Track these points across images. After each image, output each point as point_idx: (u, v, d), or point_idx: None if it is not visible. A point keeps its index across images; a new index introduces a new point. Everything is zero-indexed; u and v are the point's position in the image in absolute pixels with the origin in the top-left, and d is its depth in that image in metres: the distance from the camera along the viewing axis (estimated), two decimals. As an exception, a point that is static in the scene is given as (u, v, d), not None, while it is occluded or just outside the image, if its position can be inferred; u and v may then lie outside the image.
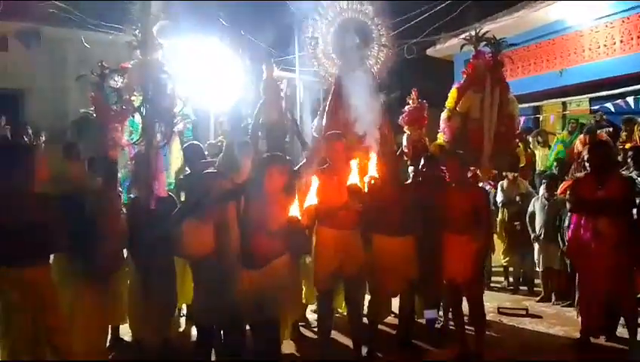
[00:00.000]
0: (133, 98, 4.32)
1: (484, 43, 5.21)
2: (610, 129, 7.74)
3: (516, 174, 6.51)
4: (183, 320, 4.86)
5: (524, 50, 10.28)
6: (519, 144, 7.14)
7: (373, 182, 4.20)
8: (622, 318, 4.51)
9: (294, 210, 3.70)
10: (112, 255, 3.92)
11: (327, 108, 5.40)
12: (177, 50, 4.99)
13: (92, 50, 5.83)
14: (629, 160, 4.93)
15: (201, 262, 3.78)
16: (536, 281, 6.30)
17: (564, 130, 8.35)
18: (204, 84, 5.36)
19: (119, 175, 4.24)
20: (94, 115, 4.37)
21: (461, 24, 10.39)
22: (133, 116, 4.48)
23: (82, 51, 5.77)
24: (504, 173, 6.43)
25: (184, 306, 4.82)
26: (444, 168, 4.83)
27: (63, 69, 10.26)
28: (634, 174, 4.90)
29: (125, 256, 4.18)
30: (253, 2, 8.77)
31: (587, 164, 4.59)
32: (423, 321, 4.95)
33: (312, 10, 5.51)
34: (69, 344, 3.42)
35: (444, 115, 5.24)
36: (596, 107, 8.97)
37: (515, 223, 6.29)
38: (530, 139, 8.68)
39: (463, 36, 5.78)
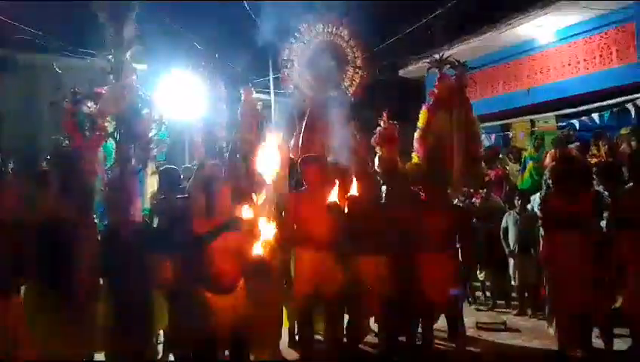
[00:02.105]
0: (106, 123, 4.30)
1: (449, 66, 5.37)
2: (578, 143, 7.97)
3: (483, 191, 6.67)
4: (160, 347, 4.76)
5: (493, 69, 10.59)
6: (483, 162, 7.30)
7: (351, 200, 4.25)
8: (596, 329, 4.61)
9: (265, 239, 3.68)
10: (87, 284, 3.83)
11: (302, 129, 5.46)
12: (151, 75, 5.00)
13: (65, 75, 5.77)
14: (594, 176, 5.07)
15: (174, 289, 3.73)
16: (513, 295, 6.39)
17: (530, 147, 8.54)
18: (178, 107, 5.35)
19: (94, 202, 4.17)
20: (67, 141, 4.31)
21: (431, 46, 10.66)
22: (107, 141, 4.45)
23: (55, 77, 5.70)
24: (472, 191, 6.57)
25: (161, 332, 4.72)
26: (419, 188, 4.92)
27: (35, 93, 10.13)
28: (600, 189, 5.05)
29: (100, 284, 4.09)
30: (228, 25, 8.87)
31: (550, 182, 4.75)
32: (404, 339, 4.95)
33: (287, 33, 5.61)
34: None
35: (417, 134, 5.35)
36: (563, 123, 9.25)
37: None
38: (501, 156, 8.88)
39: (427, 60, 5.95)
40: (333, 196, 4.30)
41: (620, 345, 4.51)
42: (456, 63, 5.28)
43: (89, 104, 4.33)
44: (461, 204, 6.46)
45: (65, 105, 4.38)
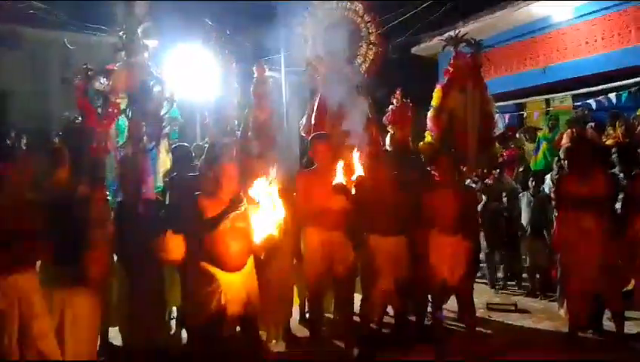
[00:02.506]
0: (119, 101, 4.28)
1: (464, 44, 5.26)
2: (593, 124, 7.86)
3: (497, 171, 6.61)
4: (173, 323, 4.83)
5: (507, 48, 10.37)
6: (498, 142, 7.23)
7: (360, 181, 4.21)
8: (608, 311, 4.60)
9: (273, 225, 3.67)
10: (100, 260, 3.87)
11: (314, 107, 5.40)
12: (162, 51, 4.96)
13: (75, 51, 5.75)
14: (613, 157, 5.01)
15: (186, 266, 3.75)
16: (524, 276, 6.39)
17: (544, 128, 8.44)
18: (190, 85, 5.32)
19: (106, 179, 4.19)
20: (79, 118, 4.31)
21: (445, 23, 10.45)
22: (119, 119, 4.44)
23: (65, 53, 5.68)
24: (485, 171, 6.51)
25: (174, 309, 4.79)
26: (432, 167, 4.88)
27: (46, 70, 10.11)
28: (616, 170, 4.98)
29: (114, 260, 4.14)
30: (240, 2, 8.75)
31: (565, 162, 4.69)
32: (413, 319, 4.98)
33: (300, 8, 5.51)
34: (55, 349, 3.39)
35: (430, 113, 5.28)
36: (579, 103, 9.09)
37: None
38: (518, 136, 8.78)
39: (442, 37, 5.83)
40: (340, 177, 4.27)
41: (631, 327, 4.50)
42: (472, 42, 5.17)
43: (101, 81, 4.32)
44: (474, 185, 6.43)
45: (77, 82, 4.37)
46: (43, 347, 3.30)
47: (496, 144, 6.94)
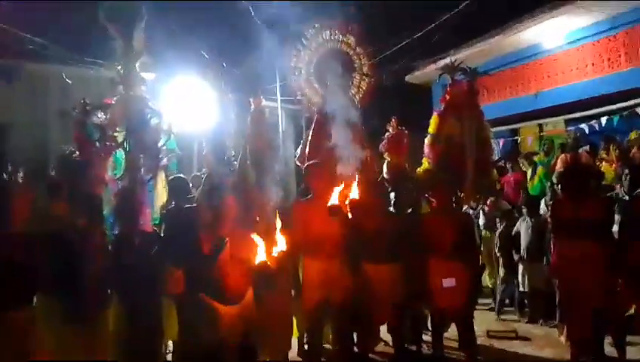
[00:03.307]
0: (116, 134, 4.32)
1: (460, 72, 5.35)
2: (588, 147, 7.93)
3: (494, 198, 6.66)
4: (169, 357, 4.76)
5: (500, 74, 10.54)
6: (494, 168, 7.30)
7: (354, 204, 4.22)
8: (609, 337, 4.56)
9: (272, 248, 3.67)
10: (97, 294, 3.84)
11: (309, 137, 5.45)
12: (159, 84, 5.02)
13: (73, 85, 5.82)
14: (623, 179, 4.93)
15: (184, 299, 3.72)
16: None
17: (540, 152, 8.51)
18: (187, 116, 5.37)
19: (103, 212, 4.19)
20: (77, 152, 4.34)
21: (438, 51, 10.65)
22: (116, 151, 4.47)
23: (63, 87, 5.74)
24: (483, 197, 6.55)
25: (170, 343, 4.72)
26: (429, 194, 4.91)
27: (44, 103, 10.19)
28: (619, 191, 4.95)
29: (109, 294, 4.10)
30: (234, 33, 8.89)
31: (559, 187, 4.71)
32: (414, 348, 4.93)
33: (294, 39, 5.61)
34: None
35: (427, 140, 5.32)
36: (571, 128, 9.19)
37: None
38: (519, 161, 8.86)
39: (439, 67, 5.92)
40: (335, 200, 4.29)
41: (634, 353, 4.45)
42: (468, 69, 5.26)
43: (99, 115, 4.36)
44: (471, 211, 6.46)
45: (74, 116, 4.41)
46: None
47: (494, 171, 7.00)
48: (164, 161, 4.61)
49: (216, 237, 3.55)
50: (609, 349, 4.57)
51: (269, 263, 3.78)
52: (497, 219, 6.57)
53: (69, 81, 5.56)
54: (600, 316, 4.30)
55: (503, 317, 6.29)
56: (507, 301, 6.54)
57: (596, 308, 4.25)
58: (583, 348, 4.46)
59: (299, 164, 5.49)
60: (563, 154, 7.44)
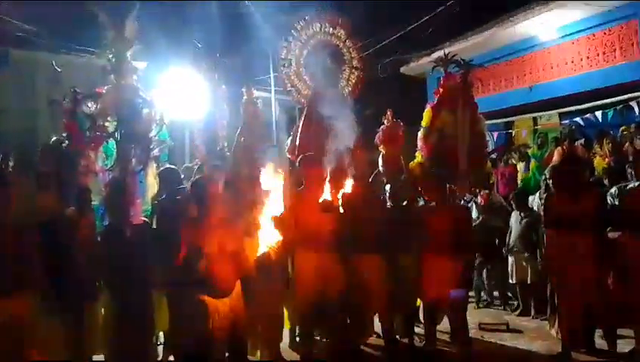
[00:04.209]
0: (107, 123, 4.26)
1: (454, 65, 5.32)
2: (583, 140, 7.94)
3: (487, 191, 6.65)
4: (160, 349, 4.73)
5: (495, 67, 10.51)
6: (490, 161, 7.30)
7: (346, 198, 4.21)
8: (599, 330, 4.59)
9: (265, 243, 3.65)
10: (86, 285, 3.81)
11: (299, 129, 5.42)
12: (151, 73, 4.96)
13: (64, 73, 5.73)
14: (628, 170, 4.87)
15: (173, 291, 3.69)
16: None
17: (533, 145, 8.49)
18: (179, 107, 5.32)
19: (93, 202, 4.14)
20: (67, 141, 4.28)
21: (432, 43, 10.60)
22: (107, 141, 4.42)
23: (53, 75, 5.66)
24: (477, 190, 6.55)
25: (161, 334, 4.70)
26: (421, 188, 4.89)
27: (34, 93, 10.05)
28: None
29: (99, 284, 4.07)
30: (228, 23, 8.80)
31: (551, 181, 4.72)
32: (406, 340, 4.94)
33: (287, 30, 5.57)
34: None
35: (421, 133, 5.30)
36: (566, 121, 9.20)
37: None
38: (510, 154, 8.86)
39: (433, 59, 5.89)
40: (326, 195, 4.27)
41: (623, 345, 4.48)
42: (462, 62, 5.23)
43: (89, 104, 4.30)
44: (466, 204, 6.45)
45: (65, 105, 4.35)
46: None
47: (488, 163, 7.00)
48: (156, 151, 4.56)
49: (205, 229, 3.50)
50: (599, 341, 4.61)
51: (262, 255, 3.74)
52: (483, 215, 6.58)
53: (59, 69, 5.48)
54: (591, 309, 4.33)
55: (489, 309, 6.33)
56: (494, 293, 6.58)
57: (588, 301, 4.27)
58: (574, 340, 4.49)
59: (289, 156, 5.47)
60: (560, 148, 7.44)
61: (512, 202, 6.37)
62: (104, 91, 4.28)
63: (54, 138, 4.57)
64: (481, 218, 6.51)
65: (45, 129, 5.24)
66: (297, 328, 4.95)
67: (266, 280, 4.11)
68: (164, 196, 4.57)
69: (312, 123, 5.29)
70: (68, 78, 5.28)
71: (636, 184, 4.34)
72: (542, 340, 5.09)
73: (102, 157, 4.38)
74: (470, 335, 4.85)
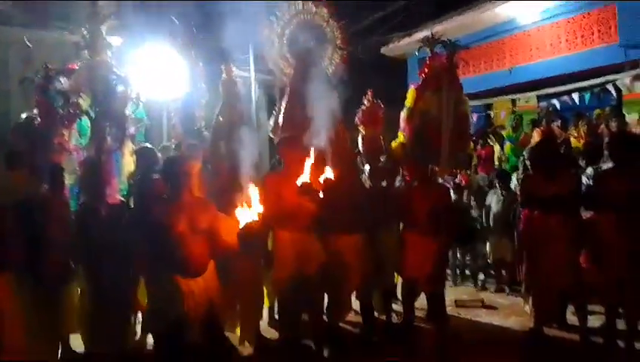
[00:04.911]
0: (80, 101, 4.17)
1: (440, 45, 5.30)
2: (559, 122, 8.04)
3: (469, 172, 6.72)
4: (138, 328, 4.72)
5: (476, 49, 10.51)
6: (471, 142, 7.34)
7: (327, 183, 4.20)
8: (571, 306, 4.71)
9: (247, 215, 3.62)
10: (60, 265, 3.76)
11: (281, 108, 5.36)
12: (127, 50, 4.85)
13: (35, 50, 5.56)
14: (605, 151, 4.93)
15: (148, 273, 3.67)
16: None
17: (508, 127, 8.56)
18: (155, 85, 5.21)
19: (67, 182, 4.06)
20: (39, 119, 4.17)
21: (413, 24, 10.56)
22: (81, 119, 4.32)
23: (25, 51, 5.48)
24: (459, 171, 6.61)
25: (139, 313, 4.67)
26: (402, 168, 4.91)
27: (4, 70, 9.72)
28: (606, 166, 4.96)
29: (73, 265, 4.02)
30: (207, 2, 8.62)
31: (528, 162, 4.78)
32: (383, 317, 5.01)
33: (268, 9, 5.46)
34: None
35: (403, 114, 5.30)
36: (543, 103, 9.30)
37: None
38: (491, 136, 8.94)
39: (419, 39, 5.85)
40: (306, 177, 4.25)
41: (594, 321, 4.61)
42: (448, 42, 5.22)
43: (62, 80, 4.19)
44: (446, 184, 6.51)
45: (36, 82, 4.23)
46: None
47: (471, 144, 7.05)
48: (132, 130, 4.48)
49: (178, 208, 3.46)
50: (571, 317, 4.74)
51: (241, 234, 3.70)
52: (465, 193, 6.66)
53: (31, 45, 5.32)
54: (564, 287, 4.43)
55: (466, 287, 6.48)
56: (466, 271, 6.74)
57: (560, 279, 4.37)
58: (546, 316, 4.60)
59: (272, 137, 5.42)
60: (538, 129, 7.52)
61: (494, 182, 6.44)
62: (77, 67, 4.18)
63: (26, 115, 4.45)
64: (458, 198, 6.56)
65: (19, 109, 5.08)
66: (276, 306, 4.97)
67: (245, 258, 4.11)
68: (139, 176, 4.51)
69: (294, 102, 5.23)
70: (41, 55, 5.12)
71: (610, 165, 4.42)
72: (516, 316, 5.22)
73: (76, 135, 4.29)
74: (447, 311, 4.94)
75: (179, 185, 3.39)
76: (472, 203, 6.60)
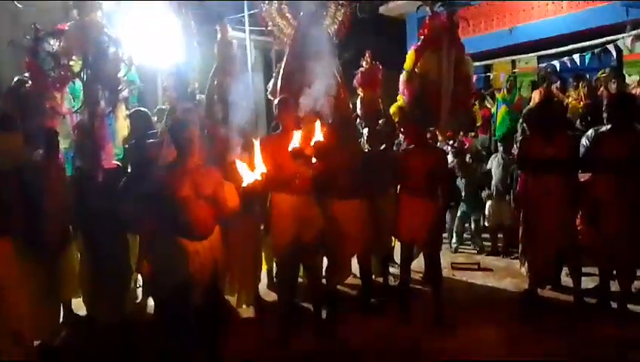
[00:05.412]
0: (72, 63, 4.06)
1: (440, 4, 5.14)
2: (558, 83, 7.95)
3: (472, 134, 6.67)
4: (139, 291, 4.77)
5: (476, 8, 10.30)
6: (475, 103, 7.27)
7: (317, 146, 4.14)
8: (566, 268, 4.77)
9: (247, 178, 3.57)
10: (57, 230, 3.75)
11: (281, 70, 5.25)
12: (118, 10, 4.69)
13: (24, 11, 5.40)
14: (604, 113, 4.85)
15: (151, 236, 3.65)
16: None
17: (503, 89, 8.43)
18: (148, 46, 5.06)
19: (61, 146, 4.01)
20: (30, 82, 4.08)
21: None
22: (74, 82, 4.23)
23: (13, 12, 5.32)
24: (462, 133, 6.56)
25: (139, 277, 4.71)
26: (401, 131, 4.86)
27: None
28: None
29: (71, 230, 4.02)
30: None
31: (525, 125, 4.72)
32: (381, 280, 5.07)
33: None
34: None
35: (403, 76, 5.19)
36: (543, 65, 9.16)
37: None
38: (488, 98, 8.84)
39: (411, -1, 5.67)
40: (297, 141, 4.19)
41: (587, 283, 4.68)
42: (448, 0, 5.06)
43: (52, 42, 4.07)
44: (448, 147, 6.48)
45: (25, 44, 4.11)
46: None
47: (475, 105, 6.95)
48: (125, 93, 4.39)
49: (180, 172, 3.42)
50: (565, 279, 4.81)
51: (239, 198, 3.66)
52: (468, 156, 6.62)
53: (20, 6, 5.15)
54: (559, 249, 4.47)
55: (462, 251, 6.50)
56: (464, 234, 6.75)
57: (556, 241, 4.40)
58: (541, 278, 4.67)
59: (271, 98, 5.32)
60: (538, 90, 7.42)
61: (499, 145, 6.38)
62: (67, 28, 4.05)
63: (16, 78, 4.34)
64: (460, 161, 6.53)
65: (8, 71, 4.96)
66: (275, 269, 5.02)
67: (244, 221, 4.10)
68: (134, 140, 4.46)
69: (294, 64, 5.10)
70: (29, 16, 4.96)
71: (608, 127, 4.38)
72: (511, 278, 5.30)
73: (69, 98, 4.20)
74: (443, 274, 4.99)
75: (187, 150, 3.33)
76: (475, 165, 6.56)
